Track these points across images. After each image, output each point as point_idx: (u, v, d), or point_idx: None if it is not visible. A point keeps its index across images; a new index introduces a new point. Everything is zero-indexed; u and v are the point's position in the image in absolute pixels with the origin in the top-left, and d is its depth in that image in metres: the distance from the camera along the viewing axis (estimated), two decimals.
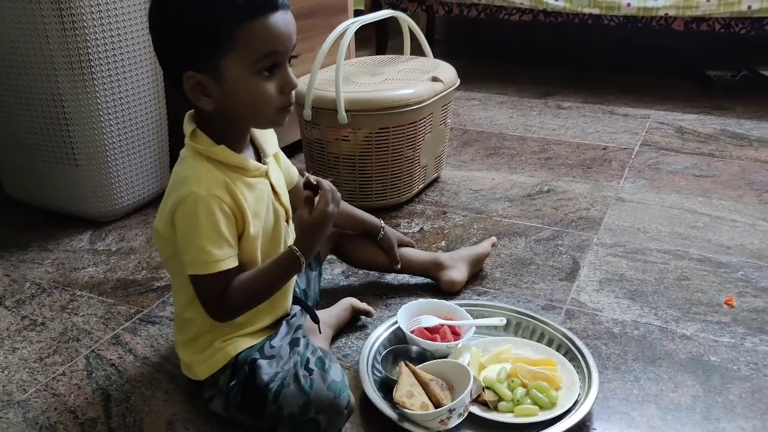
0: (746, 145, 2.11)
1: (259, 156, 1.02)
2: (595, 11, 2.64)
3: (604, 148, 2.11)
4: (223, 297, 0.93)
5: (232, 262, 0.93)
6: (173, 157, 1.75)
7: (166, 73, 0.94)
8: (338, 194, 0.97)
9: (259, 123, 0.97)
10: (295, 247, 0.94)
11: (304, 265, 0.95)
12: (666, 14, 2.54)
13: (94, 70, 1.49)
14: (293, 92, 0.94)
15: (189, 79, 0.89)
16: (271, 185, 1.00)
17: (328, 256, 1.35)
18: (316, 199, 0.96)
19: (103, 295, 1.36)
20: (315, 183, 0.95)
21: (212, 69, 0.88)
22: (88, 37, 1.46)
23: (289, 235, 1.05)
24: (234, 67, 0.88)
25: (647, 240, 1.54)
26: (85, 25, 1.45)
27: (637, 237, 1.55)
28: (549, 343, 1.15)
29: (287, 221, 1.04)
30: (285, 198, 1.04)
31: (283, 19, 0.88)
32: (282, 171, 1.07)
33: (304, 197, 0.96)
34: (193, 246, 0.90)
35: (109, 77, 1.53)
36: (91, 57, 1.48)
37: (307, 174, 0.96)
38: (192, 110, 0.97)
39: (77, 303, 1.34)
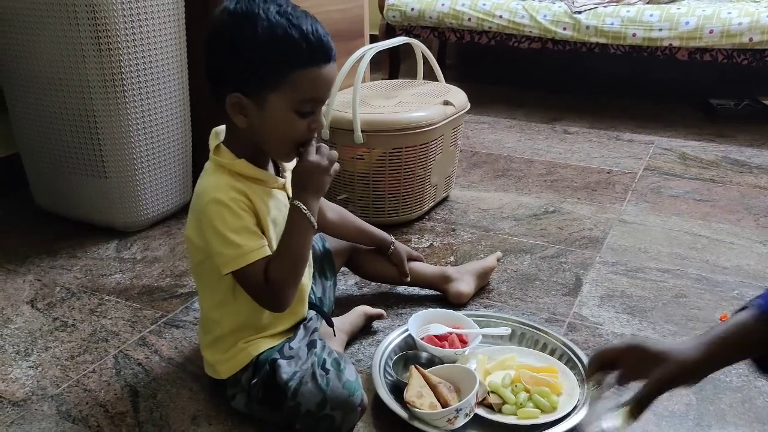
0: (746, 172, 2.18)
1: (278, 170, 1.10)
2: (602, 41, 2.72)
3: (608, 172, 2.18)
4: (267, 284, 0.99)
5: (264, 251, 0.99)
6: (195, 172, 1.84)
7: (211, 88, 1.00)
8: (332, 152, 1.02)
9: (276, 152, 1.04)
10: (295, 201, 1.00)
11: (313, 218, 1.00)
12: (670, 45, 2.63)
13: (126, 89, 1.58)
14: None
15: (233, 99, 0.97)
16: (288, 198, 1.08)
17: (342, 269, 1.42)
18: None
19: (129, 300, 1.44)
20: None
21: (258, 97, 0.96)
22: (121, 58, 1.56)
23: None
24: (278, 102, 0.96)
25: (647, 259, 1.60)
26: (120, 47, 1.55)
27: (638, 256, 1.62)
28: (551, 353, 1.21)
29: None
30: None
31: (331, 71, 0.98)
32: None
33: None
34: (224, 244, 0.98)
35: (140, 96, 1.62)
36: (124, 76, 1.57)
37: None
38: (217, 127, 1.05)
39: (105, 307, 1.41)
